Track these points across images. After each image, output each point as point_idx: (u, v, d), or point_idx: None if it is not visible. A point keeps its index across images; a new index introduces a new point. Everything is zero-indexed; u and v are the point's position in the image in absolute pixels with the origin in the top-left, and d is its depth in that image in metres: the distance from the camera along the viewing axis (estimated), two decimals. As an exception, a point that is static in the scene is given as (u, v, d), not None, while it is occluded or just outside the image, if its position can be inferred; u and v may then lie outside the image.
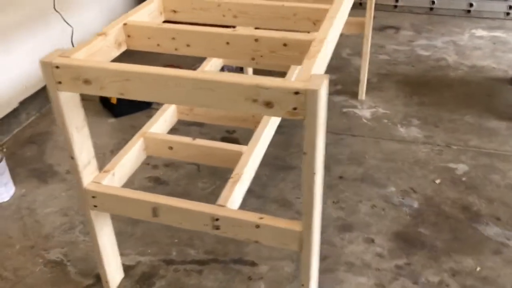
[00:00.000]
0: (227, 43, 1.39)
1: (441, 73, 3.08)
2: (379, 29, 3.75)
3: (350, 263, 1.77)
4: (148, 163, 2.27)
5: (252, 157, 1.57)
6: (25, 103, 2.57)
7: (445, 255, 1.79)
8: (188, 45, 1.43)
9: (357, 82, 2.80)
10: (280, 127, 2.54)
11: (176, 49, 1.44)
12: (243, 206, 1.99)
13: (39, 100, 2.65)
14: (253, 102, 1.12)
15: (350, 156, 2.33)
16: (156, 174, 2.23)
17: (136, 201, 1.40)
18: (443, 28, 3.74)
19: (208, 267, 1.77)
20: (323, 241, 1.85)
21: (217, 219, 1.34)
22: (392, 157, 2.32)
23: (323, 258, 1.78)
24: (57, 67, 1.22)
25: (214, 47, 1.41)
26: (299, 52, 1.34)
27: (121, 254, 1.82)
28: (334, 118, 2.63)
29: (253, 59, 1.39)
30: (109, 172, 1.49)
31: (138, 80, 1.18)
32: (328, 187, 2.12)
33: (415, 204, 2.03)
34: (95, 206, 1.45)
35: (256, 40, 1.36)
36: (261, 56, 1.37)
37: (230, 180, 1.46)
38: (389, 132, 2.51)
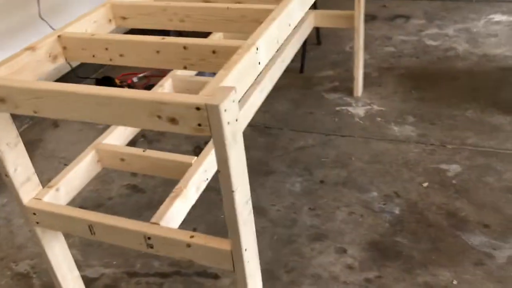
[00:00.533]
0: (157, 51, 1.32)
1: (447, 64, 2.88)
2: (389, 19, 3.57)
3: (316, 276, 1.67)
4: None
5: (201, 169, 1.50)
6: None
7: (421, 267, 1.66)
8: (121, 55, 1.37)
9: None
10: (268, 128, 2.47)
11: (110, 59, 1.39)
12: (218, 211, 1.93)
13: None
14: (157, 118, 1.05)
15: (335, 159, 2.21)
16: (134, 182, 2.20)
17: (73, 218, 1.37)
18: (458, 15, 3.51)
19: (170, 280, 1.72)
20: (293, 252, 1.77)
21: (149, 238, 1.28)
22: (380, 158, 2.19)
23: (289, 270, 1.69)
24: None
25: (145, 56, 1.35)
26: (228, 60, 1.25)
27: (87, 266, 1.81)
28: (325, 117, 2.52)
29: (185, 67, 1.31)
30: (52, 187, 1.46)
31: (48, 98, 1.13)
32: (306, 192, 2.03)
33: (396, 210, 1.90)
34: (37, 222, 1.43)
35: (185, 47, 1.29)
36: (192, 64, 1.30)
37: (170, 195, 1.40)
38: (381, 131, 2.37)
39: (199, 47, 1.28)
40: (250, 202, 1.20)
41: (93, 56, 1.41)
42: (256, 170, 2.19)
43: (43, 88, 1.13)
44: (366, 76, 2.83)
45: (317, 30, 3.25)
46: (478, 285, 1.57)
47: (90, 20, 1.57)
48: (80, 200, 2.11)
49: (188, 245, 1.24)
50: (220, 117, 1.00)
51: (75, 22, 1.51)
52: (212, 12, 1.52)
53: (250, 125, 2.49)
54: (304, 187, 2.07)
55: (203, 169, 1.52)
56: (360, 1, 2.40)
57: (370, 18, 3.59)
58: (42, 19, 2.59)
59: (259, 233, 1.85)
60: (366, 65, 2.95)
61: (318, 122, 2.48)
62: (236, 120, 1.06)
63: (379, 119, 2.46)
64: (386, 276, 1.64)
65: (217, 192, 2.05)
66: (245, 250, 1.21)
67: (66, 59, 1.46)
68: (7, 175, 1.34)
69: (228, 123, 1.02)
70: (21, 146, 1.37)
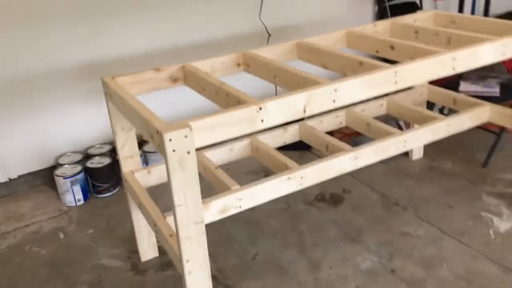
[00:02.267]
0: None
1: None
2: None
3: None
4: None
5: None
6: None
7: None
8: (202, 89, 1.78)
9: None
10: (396, 204, 2.44)
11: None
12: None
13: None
14: (147, 132, 1.43)
15: (428, 258, 2.04)
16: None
17: (141, 201, 1.87)
18: None
19: (207, 280, 2.03)
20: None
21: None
22: (472, 277, 1.91)
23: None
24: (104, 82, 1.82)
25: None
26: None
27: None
28: (462, 216, 2.29)
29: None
30: (146, 169, 1.99)
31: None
32: (369, 272, 1.98)
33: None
34: (127, 189, 1.99)
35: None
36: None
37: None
38: (504, 254, 2.03)
39: (232, 96, 1.57)
40: (202, 225, 1.45)
41: (203, 89, 1.84)
42: (345, 235, 2.23)
43: (126, 99, 1.65)
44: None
45: (534, 130, 2.85)
46: None
47: (219, 61, 2.03)
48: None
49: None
50: (164, 144, 1.31)
51: (206, 59, 2.00)
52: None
53: (374, 191, 2.49)
54: (372, 267, 2.02)
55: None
56: (537, 106, 2.10)
57: None
58: (261, 21, 3.15)
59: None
60: None
61: (451, 218, 2.29)
62: (188, 153, 1.34)
63: (516, 242, 2.10)
64: None
65: (300, 236, 2.21)
66: (187, 261, 1.47)
67: (184, 84, 1.97)
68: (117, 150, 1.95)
69: (174, 150, 1.32)
70: (132, 133, 1.95)
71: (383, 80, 1.67)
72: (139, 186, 1.91)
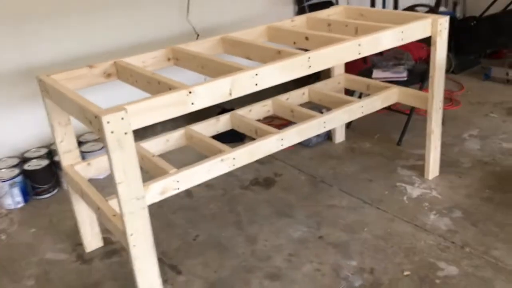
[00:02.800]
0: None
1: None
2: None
3: (244, 303, 1.87)
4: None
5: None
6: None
7: (328, 334, 1.70)
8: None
9: (446, 162, 2.65)
10: (321, 182, 2.66)
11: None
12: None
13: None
14: (86, 119, 1.56)
15: (350, 224, 2.29)
16: (191, 190, 2.71)
17: (84, 191, 1.97)
18: None
19: (151, 262, 2.16)
20: (241, 277, 2.00)
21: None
22: (389, 237, 2.17)
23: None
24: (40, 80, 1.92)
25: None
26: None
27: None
28: (380, 187, 2.56)
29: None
30: (86, 162, 2.10)
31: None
32: (300, 240, 2.19)
33: (357, 283, 1.92)
34: (68, 182, 2.08)
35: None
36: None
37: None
38: (416, 215, 2.31)
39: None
40: (143, 200, 1.59)
41: (136, 81, 1.97)
42: (278, 211, 2.44)
43: (63, 92, 1.76)
44: (454, 164, 2.72)
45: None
46: None
47: (150, 56, 2.17)
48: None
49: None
50: (103, 127, 1.44)
51: (137, 54, 2.14)
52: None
53: (303, 172, 2.73)
54: (302, 236, 2.23)
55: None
56: (434, 84, 2.40)
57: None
58: (189, 22, 3.32)
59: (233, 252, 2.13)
60: (468, 154, 2.81)
61: (370, 190, 2.55)
62: (126, 133, 1.48)
63: (426, 204, 2.39)
64: (294, 327, 1.74)
65: (237, 216, 2.39)
66: (131, 235, 1.60)
67: (117, 78, 2.10)
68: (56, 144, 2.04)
69: (112, 132, 1.46)
70: (70, 127, 2.04)
71: (298, 65, 1.89)
72: (80, 177, 2.02)
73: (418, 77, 3.02)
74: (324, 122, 2.31)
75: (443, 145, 2.94)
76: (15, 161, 2.79)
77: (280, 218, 2.39)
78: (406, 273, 1.96)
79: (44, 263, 2.21)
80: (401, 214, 2.34)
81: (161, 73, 1.87)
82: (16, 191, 2.65)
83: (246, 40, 2.24)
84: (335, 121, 2.36)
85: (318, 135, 3.09)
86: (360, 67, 3.36)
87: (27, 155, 2.85)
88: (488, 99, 3.58)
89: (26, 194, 2.72)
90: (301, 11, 3.83)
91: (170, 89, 1.71)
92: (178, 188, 1.88)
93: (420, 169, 2.69)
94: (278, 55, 2.03)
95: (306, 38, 2.28)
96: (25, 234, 2.44)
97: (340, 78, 2.93)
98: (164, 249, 2.24)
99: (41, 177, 2.72)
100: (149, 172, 2.04)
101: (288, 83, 2.00)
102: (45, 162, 2.76)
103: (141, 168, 2.18)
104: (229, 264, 2.10)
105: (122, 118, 1.47)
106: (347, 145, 3.07)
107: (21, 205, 2.68)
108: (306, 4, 3.74)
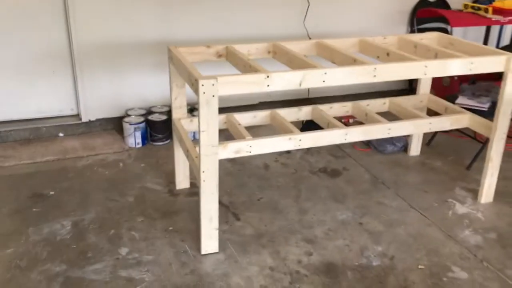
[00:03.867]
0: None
1: None
2: None
3: (278, 252, 2.33)
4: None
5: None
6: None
7: (335, 289, 2.08)
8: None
9: (504, 193, 2.85)
10: (375, 180, 2.99)
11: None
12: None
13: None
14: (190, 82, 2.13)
15: (389, 220, 2.61)
16: (270, 164, 3.21)
17: (178, 145, 2.57)
18: None
19: (220, 208, 2.71)
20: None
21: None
22: (420, 238, 2.46)
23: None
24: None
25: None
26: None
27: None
28: (429, 199, 2.82)
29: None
30: (192, 117, 2.70)
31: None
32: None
33: (376, 262, 2.26)
34: (174, 130, 2.71)
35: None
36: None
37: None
38: (452, 227, 2.55)
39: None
40: (216, 148, 2.12)
41: (237, 63, 2.52)
42: (333, 197, 2.83)
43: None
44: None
45: (520, 146, 3.31)
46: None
47: (254, 47, 2.70)
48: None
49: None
50: (198, 88, 2.00)
51: (246, 43, 2.68)
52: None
53: (368, 172, 3.06)
54: (346, 219, 2.61)
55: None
56: (500, 115, 2.60)
57: None
58: (305, 26, 3.81)
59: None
60: (531, 192, 2.94)
61: (422, 199, 2.82)
62: (213, 96, 2.02)
63: (466, 221, 2.62)
64: (310, 278, 2.16)
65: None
66: (203, 171, 2.15)
67: (226, 59, 2.66)
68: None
69: (204, 93, 2.01)
70: (184, 90, 2.66)
71: (364, 72, 2.29)
72: (183, 128, 2.63)
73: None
74: (389, 129, 2.66)
75: (508, 177, 3.09)
76: (143, 111, 3.54)
77: (332, 202, 2.79)
78: (420, 266, 2.26)
79: (144, 189, 2.88)
80: (440, 223, 2.60)
81: (261, 63, 2.37)
82: (138, 134, 3.38)
83: (334, 47, 2.67)
84: (400, 130, 2.69)
85: (394, 145, 3.42)
86: (452, 91, 3.58)
87: (153, 109, 3.58)
88: None
89: (145, 138, 3.44)
90: (411, 33, 4.11)
91: (255, 72, 2.22)
92: (250, 152, 2.39)
93: (476, 193, 2.89)
94: (353, 62, 2.44)
95: (387, 54, 2.64)
96: (136, 166, 3.14)
97: (424, 97, 3.21)
98: (232, 200, 2.77)
99: (159, 128, 3.43)
100: (233, 135, 2.58)
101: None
102: (164, 117, 3.46)
103: (228, 131, 2.75)
104: (278, 223, 2.57)
105: (213, 84, 2.02)
106: (419, 159, 3.33)
107: (139, 146, 3.41)
108: (416, 27, 4.02)
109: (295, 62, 2.49)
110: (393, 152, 3.40)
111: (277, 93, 3.96)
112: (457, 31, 4.37)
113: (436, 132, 3.55)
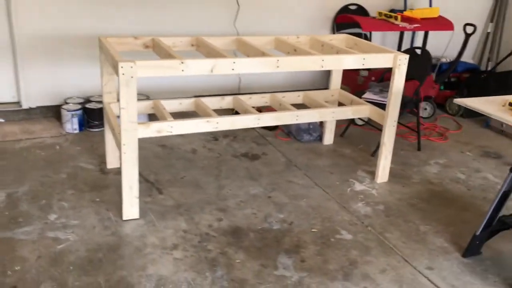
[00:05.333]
0: (164, 54, 2.68)
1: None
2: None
3: (193, 219, 2.65)
4: (204, 145, 3.60)
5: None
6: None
7: (237, 247, 2.42)
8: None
9: (399, 175, 3.25)
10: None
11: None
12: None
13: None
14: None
15: (294, 195, 2.98)
16: (197, 149, 3.53)
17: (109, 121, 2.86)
18: None
19: (146, 184, 3.01)
20: (201, 207, 2.77)
21: (113, 129, 2.66)
22: (318, 208, 2.84)
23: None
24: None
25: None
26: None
27: (132, 163, 3.27)
28: (333, 179, 3.22)
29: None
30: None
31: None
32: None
33: (276, 226, 2.62)
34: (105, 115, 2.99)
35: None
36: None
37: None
38: (348, 201, 2.95)
39: (171, 55, 2.57)
40: (135, 123, 2.43)
41: (161, 54, 2.85)
42: (250, 176, 3.18)
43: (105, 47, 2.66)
44: (406, 177, 3.31)
45: (418, 139, 3.77)
46: None
47: (178, 40, 3.03)
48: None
49: (117, 136, 2.56)
50: (118, 70, 2.30)
51: (172, 36, 3.00)
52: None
53: (285, 157, 3.43)
54: (257, 194, 2.97)
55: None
56: (390, 106, 3.03)
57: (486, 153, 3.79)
58: (235, 27, 4.18)
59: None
60: (422, 174, 3.38)
61: (327, 179, 3.21)
62: (132, 77, 2.33)
63: (361, 196, 3.02)
64: (217, 239, 2.49)
65: (219, 172, 3.18)
66: (123, 144, 2.44)
67: (153, 50, 2.97)
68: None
69: (123, 74, 2.32)
70: (113, 77, 2.94)
71: (268, 63, 2.65)
72: (112, 111, 2.91)
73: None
74: (297, 116, 3.03)
75: (407, 164, 3.55)
76: (81, 100, 3.79)
77: (248, 180, 3.14)
78: (313, 230, 2.64)
79: (77, 167, 3.14)
80: (338, 197, 3.00)
81: (185, 55, 2.68)
82: (75, 120, 3.63)
83: (251, 43, 3.03)
84: (306, 117, 3.07)
85: (310, 134, 3.82)
86: (364, 88, 4.02)
87: (91, 99, 3.84)
88: (475, 141, 4.07)
89: (82, 125, 3.70)
90: (334, 36, 4.54)
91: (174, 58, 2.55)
92: (171, 132, 2.70)
93: (373, 173, 3.31)
94: (262, 55, 2.80)
95: (295, 50, 3.02)
96: (71, 149, 3.39)
97: (335, 92, 3.62)
98: (158, 178, 3.08)
99: (95, 115, 3.69)
100: (159, 118, 2.89)
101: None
102: (100, 106, 3.72)
103: (154, 115, 3.05)
104: (197, 197, 2.90)
105: (131, 67, 2.33)
106: (332, 147, 3.74)
107: (76, 131, 3.66)
108: (336, 32, 4.45)
109: (212, 54, 2.83)
110: (309, 141, 3.80)
111: (214, 89, 4.30)
112: (376, 36, 4.85)
113: (348, 124, 3.99)
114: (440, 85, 4.68)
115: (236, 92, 4.50)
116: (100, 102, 3.79)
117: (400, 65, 2.97)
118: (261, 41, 3.25)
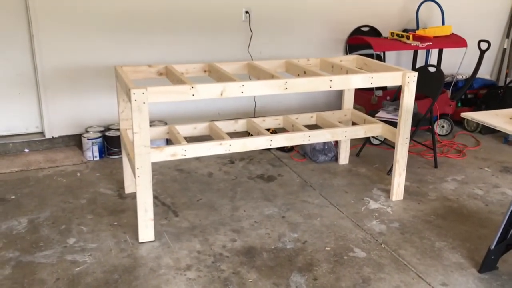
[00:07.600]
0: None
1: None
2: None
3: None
4: (220, 168, 3.66)
5: (182, 148, 2.82)
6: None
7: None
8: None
9: (415, 192, 3.24)
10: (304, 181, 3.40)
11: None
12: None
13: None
14: (127, 92, 2.54)
15: (308, 214, 2.99)
16: (213, 172, 3.59)
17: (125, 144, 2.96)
18: None
19: (162, 207, 3.07)
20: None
21: (129, 154, 2.75)
22: (332, 227, 2.85)
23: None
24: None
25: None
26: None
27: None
28: (347, 198, 3.22)
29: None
30: (135, 129, 3.09)
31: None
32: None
33: (290, 246, 2.63)
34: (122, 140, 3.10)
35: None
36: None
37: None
38: (362, 219, 2.95)
39: (182, 81, 2.66)
40: (148, 147, 2.51)
41: (173, 80, 2.95)
42: (265, 197, 3.21)
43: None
44: (422, 195, 3.29)
45: (434, 156, 3.75)
46: None
47: (191, 67, 3.13)
48: (187, 169, 3.67)
49: (132, 161, 2.64)
50: (130, 96, 2.40)
51: (186, 64, 3.10)
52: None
53: (300, 177, 3.46)
54: (271, 214, 2.99)
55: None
56: (401, 123, 3.04)
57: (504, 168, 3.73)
58: (249, 52, 4.28)
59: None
60: (439, 191, 3.35)
61: (341, 197, 3.22)
62: (144, 103, 2.42)
63: (376, 214, 3.01)
64: (231, 259, 2.52)
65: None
66: (137, 168, 2.52)
67: (166, 77, 3.08)
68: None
69: (135, 100, 2.41)
70: (129, 104, 3.05)
71: (276, 85, 2.72)
72: (128, 137, 3.01)
73: (413, 122, 3.63)
74: (309, 136, 3.07)
75: (423, 181, 3.52)
76: (101, 128, 3.92)
77: (263, 201, 3.17)
78: (327, 248, 2.64)
79: (96, 193, 3.23)
80: (352, 216, 3.00)
81: (198, 80, 2.79)
82: (96, 148, 3.75)
83: (261, 67, 3.11)
84: (318, 137, 3.11)
85: (325, 155, 3.84)
86: (378, 108, 4.04)
87: (111, 127, 3.97)
88: (493, 157, 4.02)
89: (102, 152, 3.82)
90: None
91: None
92: (185, 155, 2.78)
93: (389, 192, 3.30)
94: (271, 78, 2.87)
95: (304, 72, 3.09)
96: (92, 176, 3.50)
97: (347, 111, 3.65)
98: (174, 201, 3.14)
99: (114, 143, 3.80)
100: (173, 142, 2.97)
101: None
102: (119, 133, 3.84)
103: (169, 140, 3.13)
104: (212, 219, 2.94)
105: (143, 93, 2.42)
106: (347, 167, 3.75)
107: (97, 159, 3.78)
108: (348, 54, 4.51)
109: (223, 78, 2.91)
110: (324, 162, 3.82)
111: (231, 114, 4.40)
112: (391, 56, 4.89)
113: (364, 144, 4.00)
114: (457, 102, 4.67)
115: (251, 116, 4.58)
116: (118, 130, 3.92)
117: (409, 82, 3.00)
118: (272, 64, 3.33)
